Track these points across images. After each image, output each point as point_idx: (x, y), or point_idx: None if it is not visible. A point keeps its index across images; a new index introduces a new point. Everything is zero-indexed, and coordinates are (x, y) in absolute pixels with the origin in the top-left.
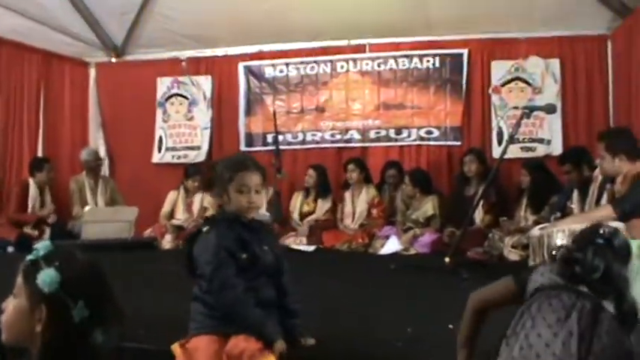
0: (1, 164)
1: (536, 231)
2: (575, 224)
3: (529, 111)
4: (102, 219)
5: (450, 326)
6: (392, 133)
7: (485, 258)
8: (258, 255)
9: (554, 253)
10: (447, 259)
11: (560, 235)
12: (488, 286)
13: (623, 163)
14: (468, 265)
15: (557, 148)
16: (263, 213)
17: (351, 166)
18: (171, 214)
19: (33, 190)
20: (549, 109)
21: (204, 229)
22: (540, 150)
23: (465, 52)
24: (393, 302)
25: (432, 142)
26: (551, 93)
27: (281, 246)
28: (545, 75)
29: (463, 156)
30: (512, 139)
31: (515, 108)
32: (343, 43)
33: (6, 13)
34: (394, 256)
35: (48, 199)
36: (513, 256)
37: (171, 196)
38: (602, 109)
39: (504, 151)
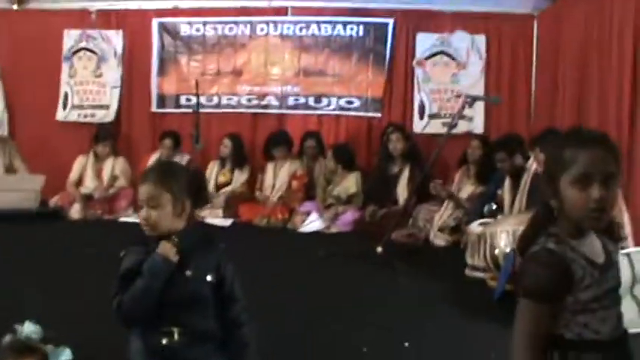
0: None
1: (475, 227)
2: (519, 225)
3: (472, 100)
4: (5, 188)
5: (406, 344)
6: (311, 101)
7: (411, 241)
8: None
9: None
10: (379, 249)
11: (504, 236)
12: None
13: None
14: (397, 253)
15: (478, 126)
16: None
17: (280, 147)
18: (79, 181)
19: None
20: (493, 100)
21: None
22: (462, 126)
23: (390, 21)
24: (332, 306)
25: (352, 113)
26: (475, 69)
27: (228, 271)
28: (470, 51)
29: (384, 129)
30: (452, 127)
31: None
32: (264, 4)
33: None
34: (316, 234)
35: None
36: (439, 240)
37: (80, 161)
38: (524, 88)
39: (447, 135)
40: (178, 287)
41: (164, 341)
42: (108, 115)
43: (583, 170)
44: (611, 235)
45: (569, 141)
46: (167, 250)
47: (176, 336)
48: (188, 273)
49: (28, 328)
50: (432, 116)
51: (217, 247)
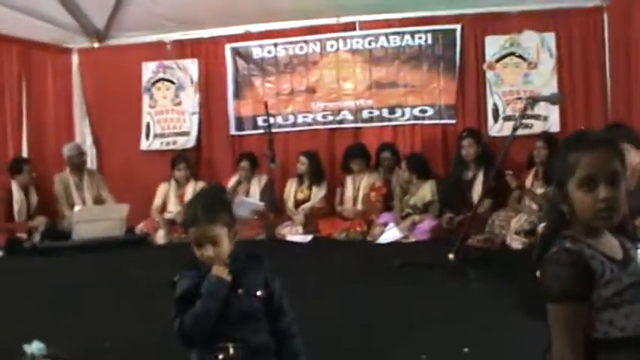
0: None
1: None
2: None
3: (533, 101)
4: (93, 218)
5: (465, 350)
6: (385, 113)
7: (487, 246)
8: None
9: None
10: (451, 256)
11: None
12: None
13: (630, 153)
14: (472, 260)
15: (554, 125)
16: (257, 203)
17: (357, 160)
18: (163, 207)
19: (16, 193)
20: (554, 99)
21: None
22: (537, 127)
23: (457, 27)
24: (398, 314)
25: (426, 122)
26: (546, 68)
27: (276, 285)
28: (540, 49)
29: (459, 136)
30: (515, 129)
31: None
32: (332, 21)
33: None
34: (394, 245)
35: (33, 200)
36: (516, 243)
37: (162, 188)
38: (599, 83)
39: (512, 138)
40: (232, 305)
41: (220, 357)
42: (189, 142)
43: (587, 172)
44: (626, 233)
45: (572, 145)
46: (221, 272)
47: (231, 351)
48: (240, 291)
49: (34, 346)
50: (506, 118)
51: (264, 264)
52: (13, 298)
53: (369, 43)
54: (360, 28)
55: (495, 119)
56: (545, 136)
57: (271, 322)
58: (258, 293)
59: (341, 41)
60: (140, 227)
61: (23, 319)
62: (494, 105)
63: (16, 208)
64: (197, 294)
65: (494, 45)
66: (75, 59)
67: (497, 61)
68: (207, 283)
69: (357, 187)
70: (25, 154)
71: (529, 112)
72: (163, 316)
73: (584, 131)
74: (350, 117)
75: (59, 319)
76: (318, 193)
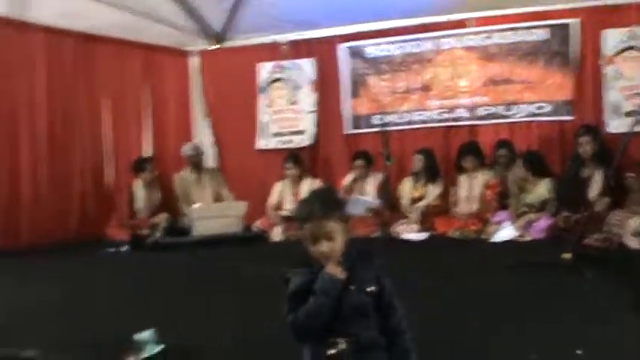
0: (112, 165)
1: None
2: None
3: None
4: (211, 215)
5: (578, 352)
6: (501, 110)
7: (605, 245)
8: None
9: None
10: (567, 256)
11: None
12: None
13: None
14: (588, 259)
15: None
16: (372, 201)
17: (469, 157)
18: (279, 205)
19: (140, 190)
20: None
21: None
22: None
23: (574, 21)
24: (510, 314)
25: (543, 118)
26: None
27: (387, 282)
28: None
29: (576, 132)
30: (635, 126)
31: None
32: (446, 18)
33: (102, 9)
34: (509, 243)
35: (155, 197)
36: (634, 243)
37: (278, 186)
38: None
39: (630, 135)
40: (344, 301)
41: (332, 351)
42: (305, 140)
43: None
44: None
45: None
46: (335, 269)
47: (342, 346)
48: (351, 287)
49: (146, 335)
50: (627, 114)
51: (374, 261)
52: (135, 290)
53: (484, 40)
54: (475, 25)
55: (615, 115)
56: None
57: (381, 319)
58: (370, 289)
59: (455, 38)
60: (257, 224)
61: (143, 310)
62: (613, 101)
63: (139, 205)
64: (310, 290)
65: (612, 38)
66: (194, 61)
67: (616, 55)
68: (321, 280)
69: (471, 186)
70: (147, 153)
71: None
72: (277, 312)
73: None
74: (465, 114)
75: (176, 311)
76: (434, 191)
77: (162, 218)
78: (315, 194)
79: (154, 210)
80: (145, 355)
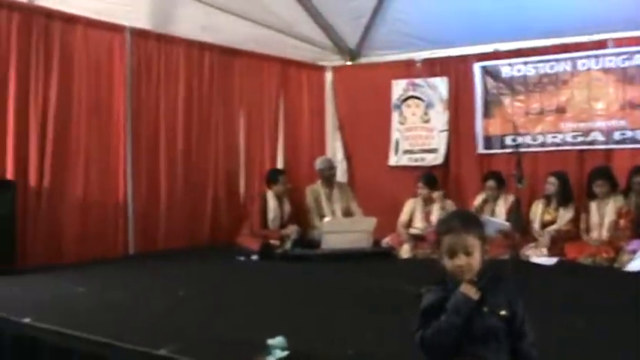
0: (245, 175)
1: None
2: None
3: None
4: (341, 229)
5: None
6: (639, 135)
7: None
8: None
9: None
10: None
11: None
12: None
13: None
14: None
15: None
16: (503, 222)
17: (599, 182)
18: (409, 223)
19: (271, 201)
20: None
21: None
22: None
23: None
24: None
25: None
26: None
27: (519, 307)
28: None
29: None
30: None
31: None
32: (584, 38)
33: (242, 23)
34: None
35: (286, 209)
36: None
37: (409, 204)
38: None
39: None
40: (476, 322)
41: None
42: (437, 159)
43: None
44: None
45: None
46: (469, 289)
47: None
48: (484, 309)
49: (277, 340)
50: None
51: (508, 284)
52: (264, 298)
53: (623, 61)
54: (614, 46)
55: None
56: None
57: (512, 343)
58: (502, 313)
59: (593, 59)
60: (386, 240)
61: (271, 316)
62: None
63: (270, 216)
64: (442, 308)
65: None
66: (328, 77)
67: None
68: (455, 298)
69: (603, 213)
70: (280, 165)
71: None
72: (400, 328)
73: None
74: (601, 138)
75: (302, 320)
76: (565, 215)
77: (292, 230)
78: (456, 212)
79: (284, 221)
80: (273, 358)
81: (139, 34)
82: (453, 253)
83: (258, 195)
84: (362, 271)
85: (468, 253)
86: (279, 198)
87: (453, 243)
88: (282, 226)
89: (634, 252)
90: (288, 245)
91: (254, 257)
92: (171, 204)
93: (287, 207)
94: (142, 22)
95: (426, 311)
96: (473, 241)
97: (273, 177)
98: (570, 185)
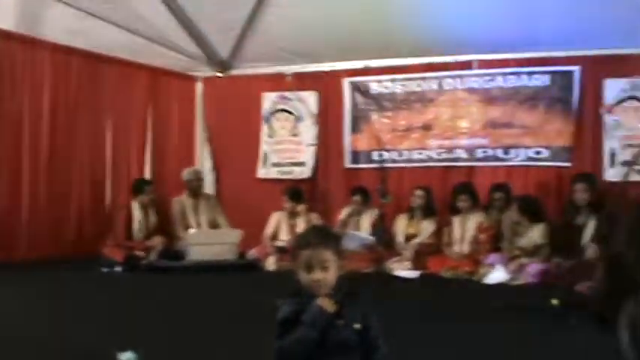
0: (111, 185)
1: None
2: None
3: None
4: (207, 241)
5: None
6: (499, 153)
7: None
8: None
9: None
10: (554, 301)
11: None
12: None
13: None
14: (577, 306)
15: None
16: (367, 237)
17: (462, 196)
18: (274, 235)
19: (137, 212)
20: None
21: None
22: None
23: (576, 69)
24: (491, 356)
25: (540, 163)
26: None
27: (373, 320)
28: None
29: (573, 180)
30: (627, 175)
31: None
32: (450, 59)
33: (115, 31)
34: (500, 286)
35: (152, 220)
36: None
37: (275, 216)
38: None
39: (625, 180)
40: (331, 334)
41: None
42: (304, 172)
43: None
44: None
45: None
46: (325, 303)
47: None
48: (339, 322)
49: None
50: (624, 164)
51: (362, 299)
52: (122, 310)
53: (486, 83)
54: (478, 67)
55: (612, 164)
56: None
57: (365, 356)
58: (356, 326)
59: (458, 79)
60: (252, 253)
61: (128, 330)
62: (611, 149)
63: (136, 226)
64: (298, 320)
65: (613, 88)
66: (199, 87)
67: (617, 104)
68: (310, 312)
69: (465, 228)
70: (147, 175)
71: None
72: (260, 338)
73: None
74: (464, 155)
75: (162, 334)
76: (428, 228)
77: (157, 241)
78: (314, 227)
79: (149, 232)
80: None
81: (1, 35)
82: (309, 268)
83: (124, 205)
84: (226, 283)
85: (324, 268)
86: (144, 209)
87: (309, 258)
88: (148, 237)
89: (492, 265)
90: (153, 256)
91: (118, 268)
92: (33, 213)
93: (153, 218)
94: (5, 23)
95: (282, 323)
96: (329, 257)
97: (138, 187)
98: (434, 199)
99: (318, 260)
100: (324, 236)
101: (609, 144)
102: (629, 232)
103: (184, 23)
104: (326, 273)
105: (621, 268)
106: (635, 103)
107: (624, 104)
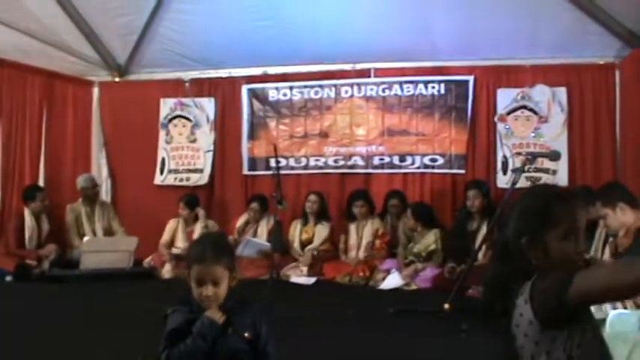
0: (2, 192)
1: None
2: None
3: (532, 157)
4: (101, 249)
5: None
6: (396, 160)
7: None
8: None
9: None
10: (446, 306)
11: None
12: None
13: (626, 212)
14: (468, 310)
15: (562, 179)
16: (263, 243)
17: (358, 202)
18: (171, 243)
19: (28, 219)
20: (554, 156)
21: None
22: (546, 180)
23: (470, 78)
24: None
25: (436, 170)
26: (557, 122)
27: (263, 328)
28: (551, 103)
29: (466, 187)
30: (514, 184)
31: (522, 138)
32: (348, 67)
33: (7, 32)
34: (395, 291)
35: (45, 227)
36: None
37: (171, 224)
38: (609, 139)
39: (513, 187)
40: (221, 344)
41: None
42: (202, 179)
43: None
44: None
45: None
46: (214, 313)
47: None
48: (229, 331)
49: None
50: (514, 171)
51: (253, 307)
52: (13, 322)
53: (383, 91)
54: (375, 75)
55: (504, 171)
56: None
57: None
58: (246, 334)
59: (355, 87)
60: (148, 260)
61: (17, 341)
62: (504, 157)
63: (27, 234)
64: (188, 330)
65: (506, 97)
66: (96, 92)
67: (509, 113)
68: (200, 323)
69: (360, 235)
70: (41, 182)
71: (536, 165)
72: (154, 347)
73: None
74: (361, 162)
75: (52, 344)
76: (322, 232)
77: (50, 249)
78: (207, 238)
79: (42, 240)
80: None
81: None
82: (200, 283)
83: (15, 214)
84: (121, 292)
85: (215, 284)
86: (36, 216)
87: (201, 273)
88: (40, 245)
89: (387, 271)
90: (45, 265)
91: (8, 278)
92: None
93: (45, 225)
94: None
95: (172, 332)
96: (222, 272)
97: (30, 194)
98: (327, 204)
99: (209, 276)
100: (217, 250)
101: (502, 152)
102: (519, 216)
103: (81, 27)
104: (217, 288)
105: (512, 254)
106: (526, 112)
107: (516, 113)
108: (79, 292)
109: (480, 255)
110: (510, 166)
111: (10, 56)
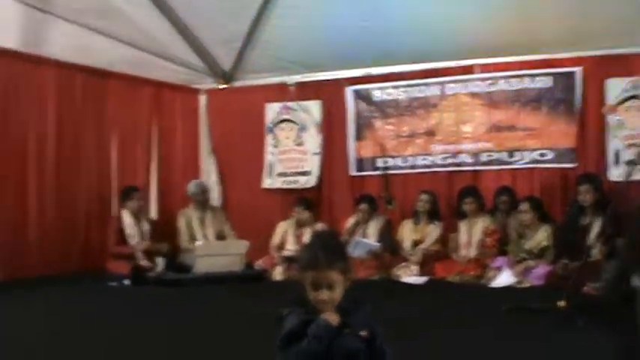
0: (118, 199)
1: None
2: None
3: None
4: (213, 253)
5: None
6: (504, 156)
7: (602, 294)
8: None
9: None
10: (562, 303)
11: None
12: None
13: None
14: (584, 307)
15: None
16: (373, 243)
17: (468, 199)
18: (281, 245)
19: (127, 219)
20: None
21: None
22: None
23: (577, 70)
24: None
25: (545, 165)
26: None
27: (377, 326)
28: None
29: (577, 181)
30: (629, 175)
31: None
32: (452, 64)
33: (115, 44)
34: (507, 289)
35: (145, 227)
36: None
37: (282, 226)
38: None
39: (628, 179)
40: (338, 344)
41: None
42: (310, 181)
43: None
44: None
45: None
46: (331, 316)
47: None
48: (346, 331)
49: None
50: (628, 163)
51: (366, 307)
52: (134, 326)
53: (489, 86)
54: (480, 71)
55: (616, 164)
56: None
57: None
58: (363, 333)
59: (460, 84)
60: (259, 263)
61: (140, 345)
62: (615, 149)
63: (128, 232)
64: (303, 331)
65: (616, 87)
66: (202, 100)
67: (619, 104)
68: (316, 326)
69: (471, 232)
70: (153, 190)
71: None
72: (270, 351)
73: None
74: (469, 160)
75: (173, 347)
76: (433, 232)
77: (163, 245)
78: (319, 240)
79: (144, 240)
80: None
81: (6, 54)
82: (315, 287)
83: (115, 215)
84: (235, 295)
85: (330, 288)
86: (135, 215)
87: (315, 278)
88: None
89: (498, 269)
90: (160, 266)
91: (126, 282)
92: (41, 230)
93: (145, 225)
94: (10, 42)
95: (288, 334)
96: (336, 277)
97: (126, 194)
98: (439, 204)
99: (324, 281)
100: (330, 254)
101: (613, 144)
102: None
103: (186, 36)
104: (332, 292)
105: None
106: (637, 103)
107: (627, 104)
108: (194, 295)
109: (595, 251)
110: (622, 159)
111: (118, 69)
